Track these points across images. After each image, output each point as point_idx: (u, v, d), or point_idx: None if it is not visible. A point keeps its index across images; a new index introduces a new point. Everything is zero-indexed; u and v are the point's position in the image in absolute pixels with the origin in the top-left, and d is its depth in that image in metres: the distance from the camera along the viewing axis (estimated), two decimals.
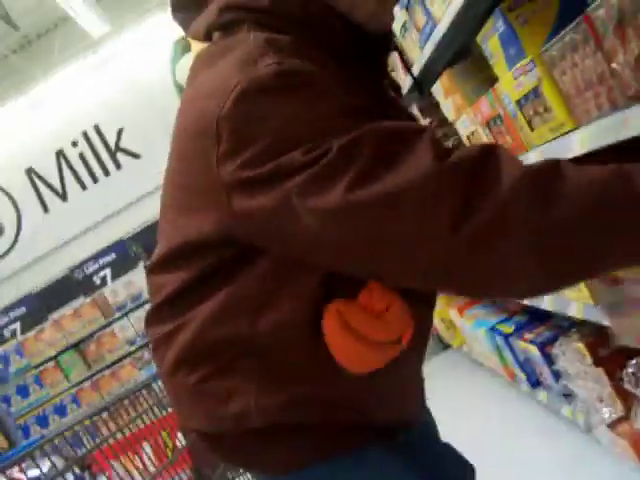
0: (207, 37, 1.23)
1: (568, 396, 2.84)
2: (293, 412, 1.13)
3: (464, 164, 0.96)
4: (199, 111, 1.08)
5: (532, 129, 1.96)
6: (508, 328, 3.31)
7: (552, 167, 0.96)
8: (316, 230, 0.99)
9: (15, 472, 1.79)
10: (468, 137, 2.58)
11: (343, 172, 0.96)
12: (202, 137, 1.05)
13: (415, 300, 1.16)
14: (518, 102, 1.95)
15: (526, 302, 2.68)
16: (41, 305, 8.73)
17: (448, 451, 1.45)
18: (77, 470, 1.77)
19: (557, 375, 2.84)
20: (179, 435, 2.02)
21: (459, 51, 2.79)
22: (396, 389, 1.23)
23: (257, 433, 1.14)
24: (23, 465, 1.75)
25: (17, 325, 8.70)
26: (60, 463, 1.75)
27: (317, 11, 1.16)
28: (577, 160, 1.83)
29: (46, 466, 1.76)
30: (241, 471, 2.28)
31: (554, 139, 1.84)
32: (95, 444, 1.78)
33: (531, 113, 1.92)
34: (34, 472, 1.74)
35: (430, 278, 1.03)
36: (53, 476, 1.57)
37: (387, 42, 1.26)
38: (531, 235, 0.93)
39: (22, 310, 8.72)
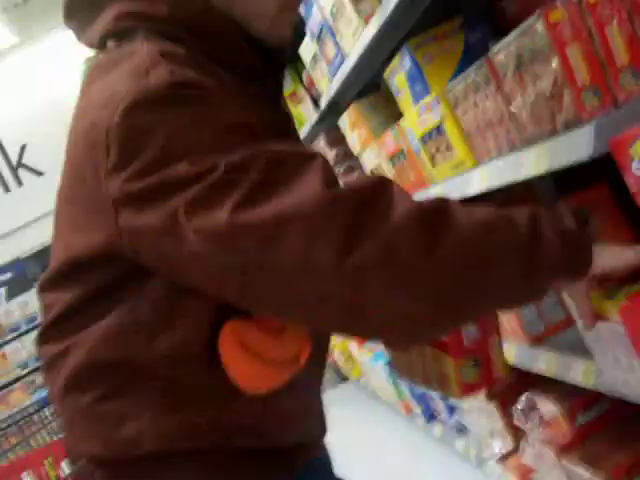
0: (102, 45, 1.17)
1: (461, 431, 2.88)
2: (185, 438, 1.09)
3: (354, 194, 0.95)
4: (90, 123, 1.03)
5: (434, 165, 1.99)
6: None
7: (441, 206, 0.97)
8: (199, 252, 0.95)
9: None
10: (372, 171, 2.60)
11: (229, 193, 0.93)
12: (92, 149, 1.01)
13: None
14: (422, 138, 1.99)
15: None
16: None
17: None
18: None
19: (451, 409, 2.88)
20: (63, 465, 1.93)
21: (367, 85, 2.82)
22: (296, 410, 1.20)
23: (149, 459, 1.09)
24: None
25: None
26: None
27: (216, 22, 1.13)
28: (473, 199, 1.87)
29: None
30: None
31: (455, 176, 1.88)
32: None
33: (434, 150, 1.95)
34: None
35: (313, 312, 1.00)
36: None
37: (283, 58, 1.24)
38: (416, 273, 0.94)
39: None
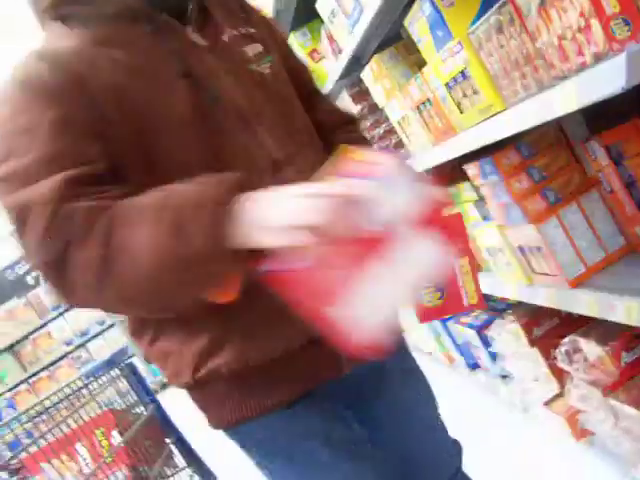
0: None
1: (505, 377, 2.87)
2: (204, 370, 1.25)
3: (73, 212, 1.06)
4: None
5: (461, 111, 1.96)
6: None
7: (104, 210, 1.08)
8: None
9: None
10: (399, 122, 2.57)
11: None
12: None
13: None
14: (447, 85, 1.95)
15: None
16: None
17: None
18: (5, 475, 1.71)
19: (494, 357, 2.87)
20: (114, 433, 1.97)
21: (388, 36, 2.78)
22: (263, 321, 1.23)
23: (190, 388, 1.32)
24: None
25: None
26: None
27: None
28: (504, 142, 1.84)
29: None
30: (180, 467, 2.24)
31: (483, 121, 1.85)
32: (23, 446, 1.71)
33: (460, 96, 1.92)
34: None
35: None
36: None
37: None
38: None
39: None
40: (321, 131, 1.46)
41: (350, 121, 1.59)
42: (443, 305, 1.28)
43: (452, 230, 1.18)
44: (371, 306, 1.00)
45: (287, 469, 1.36)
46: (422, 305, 1.28)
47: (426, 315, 1.29)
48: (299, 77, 1.49)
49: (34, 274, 8.33)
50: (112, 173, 1.15)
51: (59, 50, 1.20)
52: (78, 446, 1.94)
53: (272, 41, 1.43)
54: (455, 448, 1.60)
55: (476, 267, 1.33)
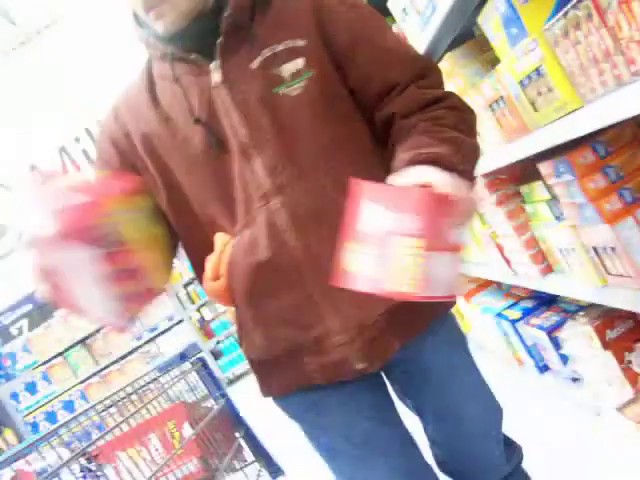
0: None
1: (576, 380, 2.82)
2: (243, 350, 1.57)
3: None
4: None
5: (536, 109, 1.94)
6: (515, 314, 3.30)
7: None
8: None
9: (21, 464, 1.79)
10: None
11: None
12: None
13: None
14: (521, 82, 1.93)
15: (532, 287, 2.66)
16: (48, 302, 8.72)
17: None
18: (83, 461, 1.77)
19: (565, 359, 2.83)
20: (185, 425, 2.01)
21: (460, 33, 2.76)
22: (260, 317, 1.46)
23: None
24: (29, 457, 1.74)
25: (24, 322, 8.71)
26: (66, 454, 1.74)
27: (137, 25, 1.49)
28: (580, 140, 1.81)
29: (52, 458, 1.76)
30: (248, 460, 2.27)
31: (558, 119, 1.82)
32: (100, 434, 1.76)
33: (534, 94, 1.89)
34: (40, 464, 1.73)
35: None
36: (59, 467, 1.56)
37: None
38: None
39: (29, 307, 8.71)
40: (393, 123, 1.43)
41: (433, 101, 1.43)
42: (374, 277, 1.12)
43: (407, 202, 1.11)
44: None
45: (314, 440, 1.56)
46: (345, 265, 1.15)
47: (348, 278, 1.15)
48: (370, 72, 1.44)
49: None
50: None
51: (120, 98, 1.54)
52: (151, 436, 1.99)
53: (322, 47, 1.42)
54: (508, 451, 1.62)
55: (432, 256, 1.12)
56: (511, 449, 1.69)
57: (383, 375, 1.58)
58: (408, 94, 1.43)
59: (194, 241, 1.49)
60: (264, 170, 1.38)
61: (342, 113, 1.43)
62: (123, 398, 2.01)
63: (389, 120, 1.43)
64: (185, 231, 1.49)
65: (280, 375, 1.49)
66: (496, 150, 2.40)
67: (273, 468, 2.29)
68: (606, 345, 2.38)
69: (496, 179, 2.71)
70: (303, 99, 1.39)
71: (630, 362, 2.14)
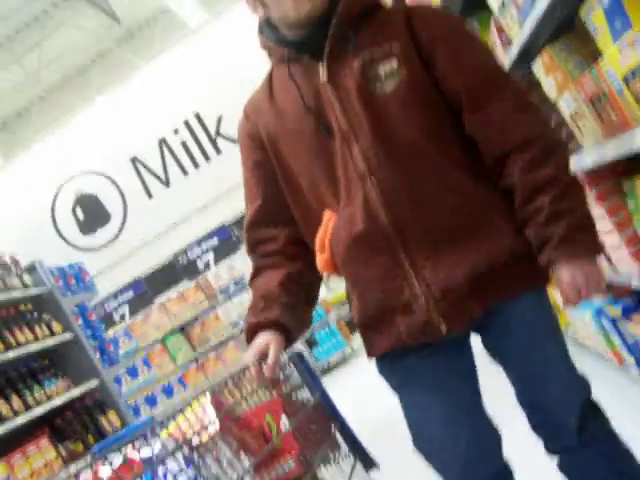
0: None
1: None
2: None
3: None
4: None
5: None
6: (615, 311, 3.21)
7: None
8: None
9: (129, 451, 1.88)
10: (571, 116, 2.50)
11: None
12: None
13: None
14: (625, 78, 1.88)
15: (634, 285, 2.59)
16: (147, 289, 9.02)
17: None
18: (186, 450, 1.84)
19: None
20: (283, 418, 2.06)
21: (560, 26, 2.70)
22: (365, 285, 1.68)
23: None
24: (136, 444, 1.83)
25: (125, 309, 9.03)
26: (170, 443, 1.82)
27: (263, 28, 1.77)
28: None
29: (157, 446, 1.84)
30: (344, 454, 2.30)
31: None
32: (202, 426, 1.83)
33: (639, 89, 1.84)
34: (146, 452, 1.81)
35: None
36: (164, 456, 1.63)
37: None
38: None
39: (130, 294, 9.04)
40: (484, 148, 1.66)
41: (523, 147, 1.62)
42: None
43: None
44: None
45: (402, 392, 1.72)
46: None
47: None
48: (454, 82, 1.65)
49: (205, 258, 8.77)
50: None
51: (248, 102, 1.85)
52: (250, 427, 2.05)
53: (413, 51, 1.65)
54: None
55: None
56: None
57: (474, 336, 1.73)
58: (497, 117, 1.63)
59: (309, 222, 1.75)
60: (360, 155, 1.64)
61: (430, 109, 1.66)
62: (221, 384, 2.07)
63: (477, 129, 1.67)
64: (301, 212, 1.76)
65: (378, 336, 1.68)
66: (597, 145, 2.34)
67: (367, 461, 2.31)
68: None
69: (596, 174, 2.64)
70: (395, 95, 1.65)
71: None
